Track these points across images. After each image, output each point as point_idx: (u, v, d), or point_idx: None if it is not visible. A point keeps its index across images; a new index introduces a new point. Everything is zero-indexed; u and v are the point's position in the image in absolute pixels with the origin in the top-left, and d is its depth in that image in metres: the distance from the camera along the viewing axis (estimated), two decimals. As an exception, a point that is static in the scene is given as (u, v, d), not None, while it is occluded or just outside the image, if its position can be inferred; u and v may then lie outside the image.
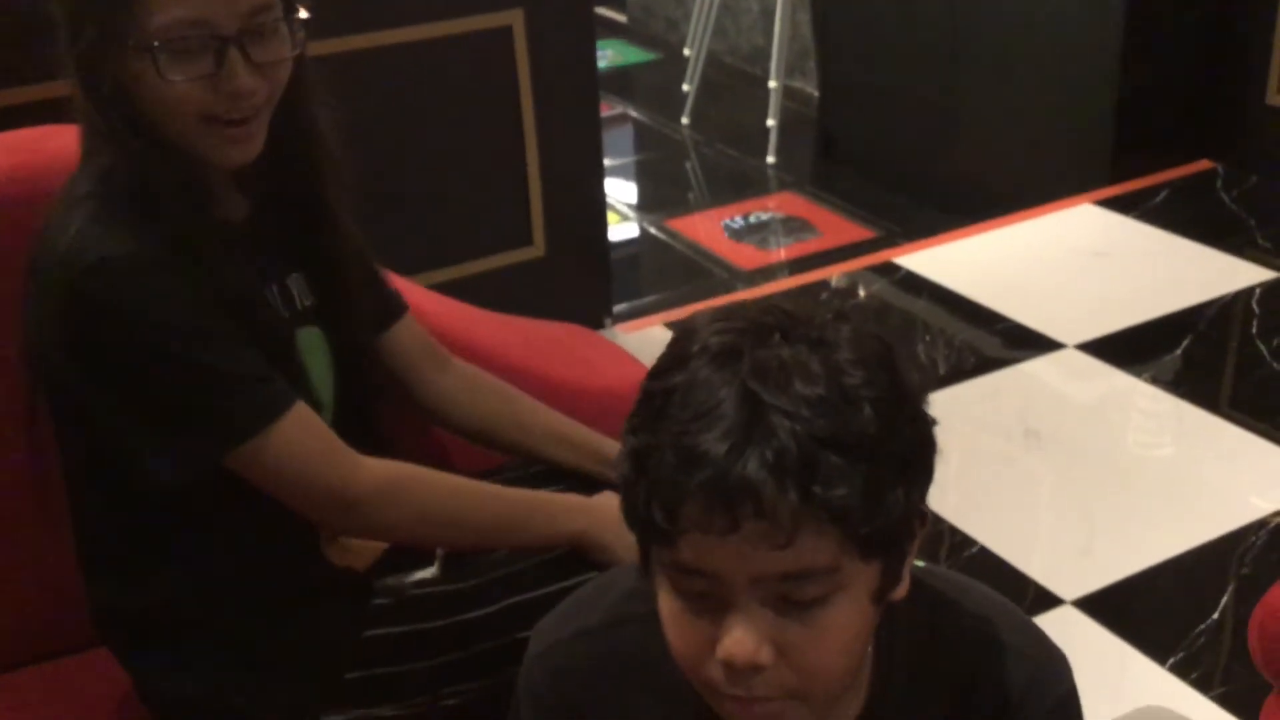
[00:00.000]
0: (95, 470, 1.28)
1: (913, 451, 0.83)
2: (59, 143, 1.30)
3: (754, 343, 0.80)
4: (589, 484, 1.44)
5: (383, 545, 1.42)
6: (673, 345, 0.84)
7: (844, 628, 0.82)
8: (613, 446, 1.44)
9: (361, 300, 1.40)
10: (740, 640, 0.79)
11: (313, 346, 1.34)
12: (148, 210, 1.18)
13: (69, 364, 1.20)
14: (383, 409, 1.44)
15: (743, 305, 0.85)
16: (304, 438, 1.22)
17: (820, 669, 0.82)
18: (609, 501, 1.37)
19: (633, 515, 0.83)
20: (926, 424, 0.85)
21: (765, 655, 0.80)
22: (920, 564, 1.00)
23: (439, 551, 1.40)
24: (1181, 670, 1.98)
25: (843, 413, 0.78)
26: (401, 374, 1.47)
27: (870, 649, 0.93)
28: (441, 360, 1.50)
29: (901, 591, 0.88)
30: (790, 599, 0.80)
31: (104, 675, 1.43)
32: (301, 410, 1.23)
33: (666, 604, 0.84)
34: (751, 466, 0.76)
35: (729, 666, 0.81)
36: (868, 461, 0.78)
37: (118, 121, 1.17)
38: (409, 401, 1.49)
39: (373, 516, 1.26)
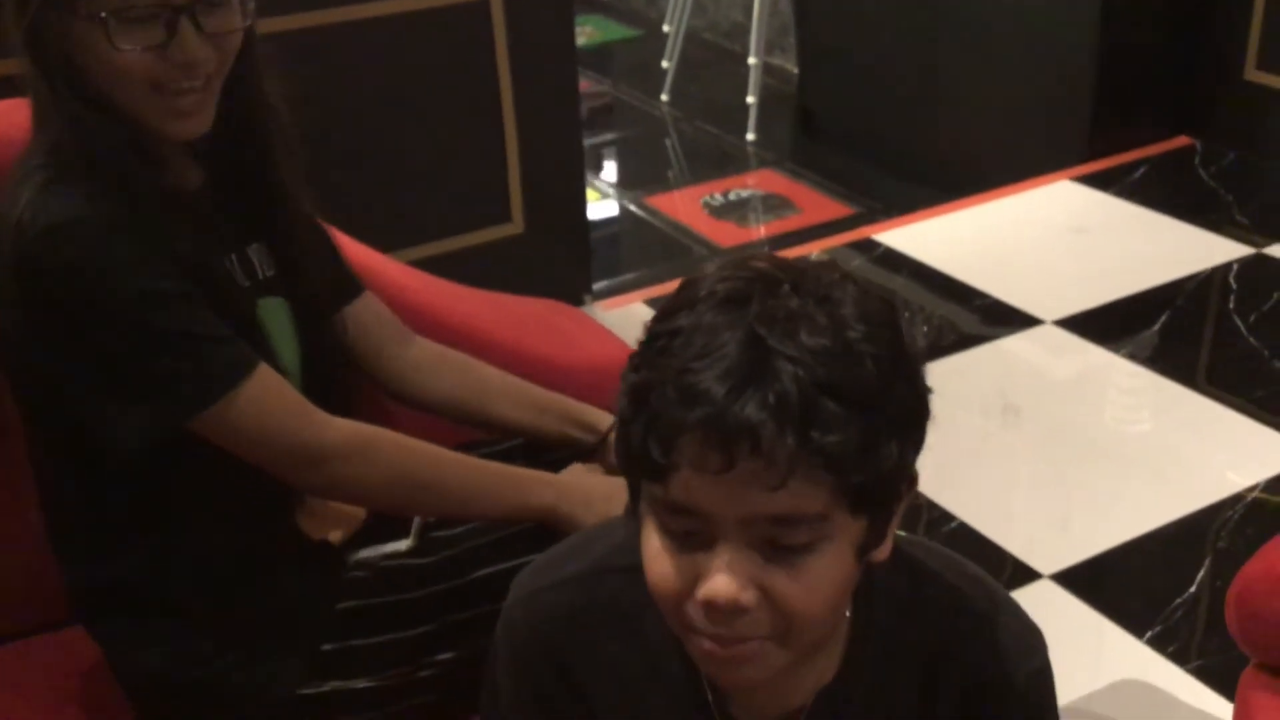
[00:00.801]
0: (61, 445, 1.27)
1: (908, 410, 0.84)
2: (20, 117, 1.29)
3: (763, 291, 0.81)
4: (558, 465, 1.44)
5: (358, 517, 1.42)
6: (680, 290, 0.85)
7: (827, 577, 0.83)
8: (581, 408, 1.45)
9: (319, 271, 1.39)
10: (724, 580, 0.80)
11: (276, 316, 1.34)
12: (98, 179, 1.17)
13: (27, 335, 1.19)
14: (350, 382, 1.43)
15: (752, 257, 0.86)
16: (270, 396, 1.21)
17: (802, 615, 0.83)
18: (578, 477, 1.37)
19: (626, 451, 0.83)
20: (923, 387, 0.86)
21: (748, 597, 0.81)
22: (902, 534, 1.01)
23: (414, 524, 1.40)
24: (1159, 643, 2.00)
25: (845, 364, 0.79)
26: (362, 352, 1.46)
27: (848, 612, 0.94)
28: (404, 337, 1.49)
29: (884, 553, 0.89)
30: (777, 544, 0.81)
31: (76, 652, 1.42)
32: (265, 371, 1.22)
33: (651, 543, 0.85)
34: (751, 407, 0.77)
35: (710, 606, 0.81)
36: (865, 413, 0.79)
37: (66, 92, 1.17)
38: (372, 379, 1.48)
39: (342, 472, 1.25)
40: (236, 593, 1.29)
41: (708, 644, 0.84)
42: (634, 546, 0.89)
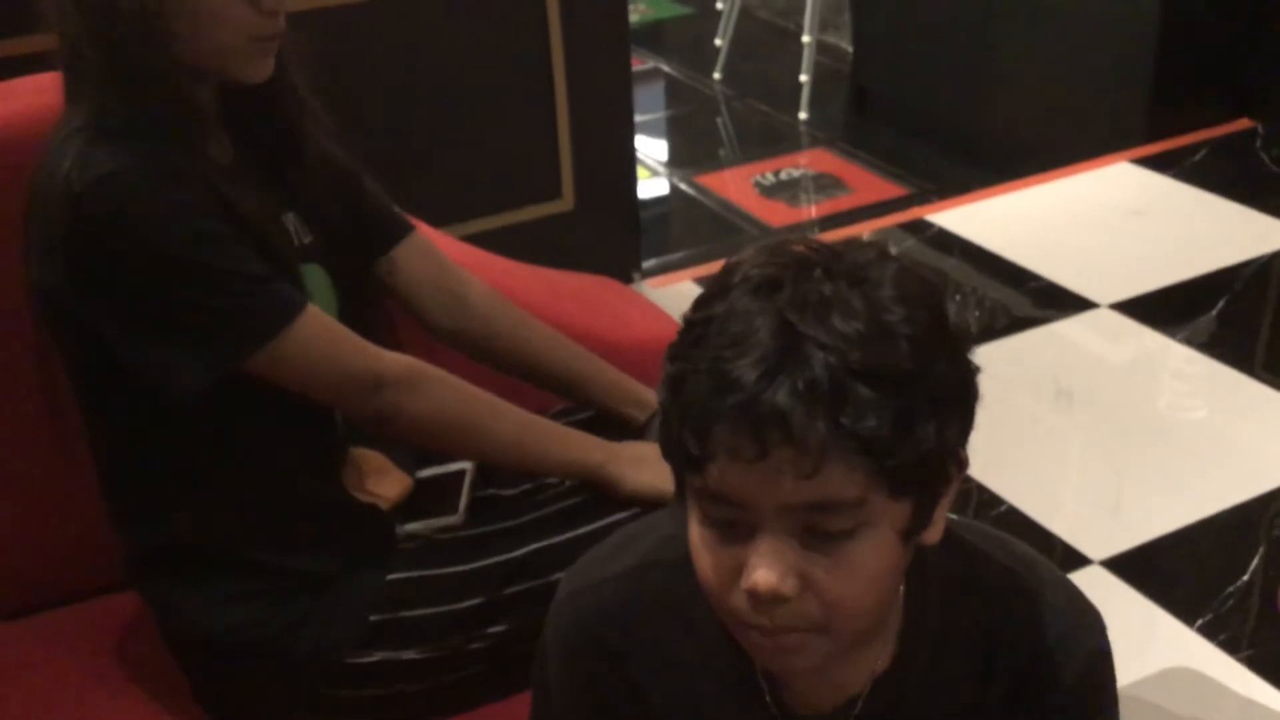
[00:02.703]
0: (112, 406, 1.29)
1: (948, 390, 0.82)
2: (52, 94, 1.30)
3: (795, 276, 0.80)
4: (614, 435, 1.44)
5: (405, 483, 1.42)
6: (717, 277, 0.84)
7: (870, 564, 0.82)
8: (632, 384, 1.45)
9: (353, 235, 1.41)
10: (765, 570, 0.80)
11: (316, 283, 1.35)
12: (147, 138, 1.19)
13: (78, 290, 1.20)
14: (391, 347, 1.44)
15: (788, 240, 0.85)
16: (323, 331, 1.24)
17: (845, 603, 0.82)
18: (630, 444, 1.37)
19: (668, 442, 0.83)
20: (967, 366, 0.84)
21: (789, 586, 0.80)
22: (953, 517, 1.00)
23: (462, 499, 1.41)
24: (1209, 632, 1.97)
25: (878, 347, 0.78)
26: (414, 292, 1.47)
27: (901, 597, 0.93)
28: (458, 278, 1.50)
29: (934, 536, 0.87)
30: (816, 531, 0.80)
31: (129, 615, 1.45)
32: (315, 309, 1.24)
33: (696, 533, 0.84)
34: (782, 394, 0.76)
35: (753, 596, 0.81)
36: (900, 395, 0.78)
37: (126, 69, 1.18)
38: (424, 321, 1.49)
39: (395, 401, 1.26)
40: (287, 556, 1.30)
41: (755, 635, 0.84)
42: (681, 539, 0.89)
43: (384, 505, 1.40)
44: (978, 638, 0.94)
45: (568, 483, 1.42)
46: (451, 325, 1.48)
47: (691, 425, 0.79)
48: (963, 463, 0.87)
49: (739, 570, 0.81)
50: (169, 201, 1.18)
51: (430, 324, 1.49)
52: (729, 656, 0.94)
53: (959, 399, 0.83)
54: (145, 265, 1.17)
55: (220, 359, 1.21)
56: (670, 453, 0.84)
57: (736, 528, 0.81)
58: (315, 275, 1.35)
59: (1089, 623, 0.96)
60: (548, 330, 1.51)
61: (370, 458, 1.43)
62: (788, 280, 0.80)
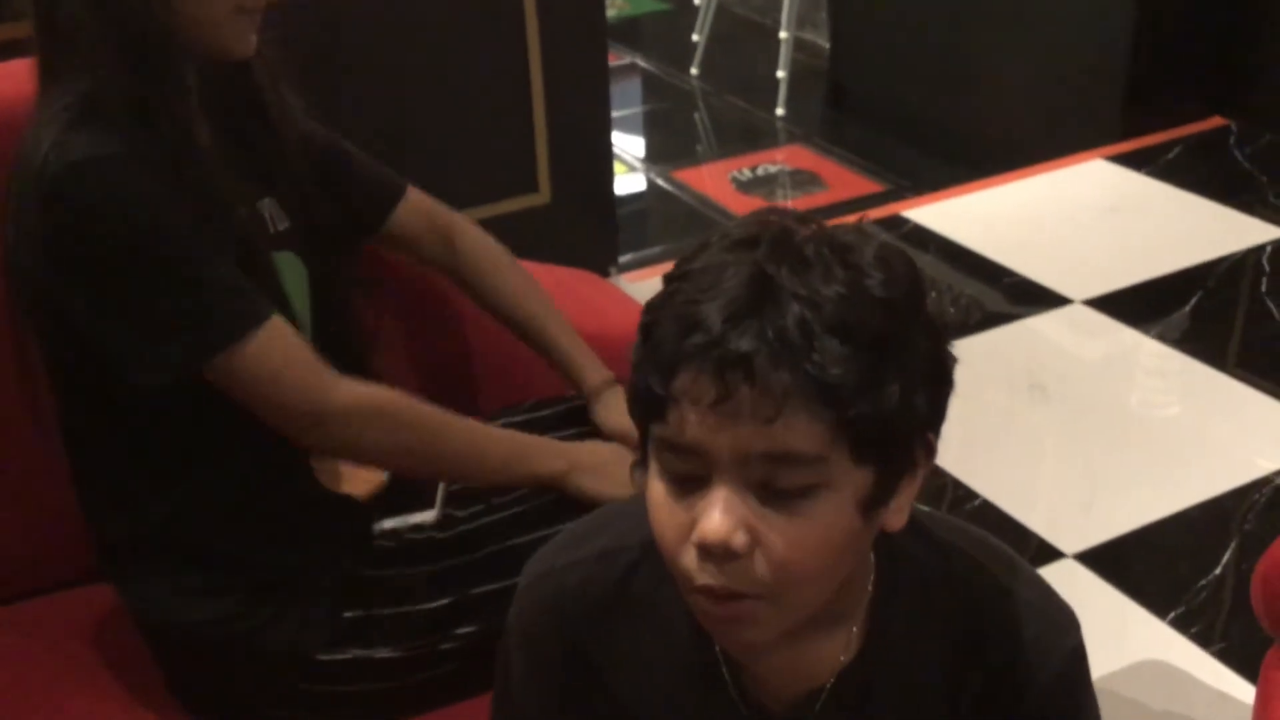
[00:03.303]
0: (85, 395, 1.28)
1: (920, 361, 0.81)
2: (23, 82, 1.29)
3: (776, 236, 0.81)
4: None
5: (379, 476, 1.42)
6: (704, 241, 0.84)
7: (824, 526, 0.80)
8: (592, 359, 1.48)
9: (342, 219, 1.41)
10: (717, 519, 0.78)
11: (290, 270, 1.34)
12: (126, 125, 1.18)
13: (50, 272, 1.19)
14: (364, 338, 1.44)
15: (773, 209, 0.85)
16: (281, 349, 1.21)
17: (794, 566, 0.80)
18: (591, 447, 1.37)
19: (633, 393, 0.83)
20: (943, 348, 0.84)
21: (740, 538, 0.79)
22: (926, 509, 0.99)
23: (439, 494, 1.40)
24: (1182, 625, 1.99)
25: (855, 307, 0.78)
26: (409, 249, 1.53)
27: (871, 587, 0.92)
28: (447, 225, 1.54)
29: (897, 522, 0.86)
30: (773, 487, 0.79)
31: (103, 608, 1.44)
32: (279, 323, 1.23)
33: (655, 490, 0.83)
34: (748, 337, 0.76)
35: (703, 548, 0.79)
36: (869, 352, 0.77)
37: (125, 26, 1.18)
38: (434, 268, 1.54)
39: (341, 436, 1.25)
40: (261, 550, 1.30)
41: (703, 600, 0.82)
42: (644, 525, 0.88)
43: (362, 496, 1.39)
44: (950, 635, 0.93)
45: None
46: (443, 264, 1.54)
47: (656, 368, 0.79)
48: (931, 448, 0.86)
49: (692, 525, 0.80)
50: (143, 193, 1.17)
51: (425, 262, 1.54)
52: (693, 646, 0.93)
53: (931, 375, 0.83)
54: (111, 256, 1.16)
55: (174, 361, 1.19)
56: (635, 404, 0.83)
57: (693, 481, 0.80)
58: (289, 263, 1.34)
59: (1064, 622, 0.95)
60: (526, 276, 1.54)
61: None
62: (765, 239, 0.80)
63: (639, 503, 0.93)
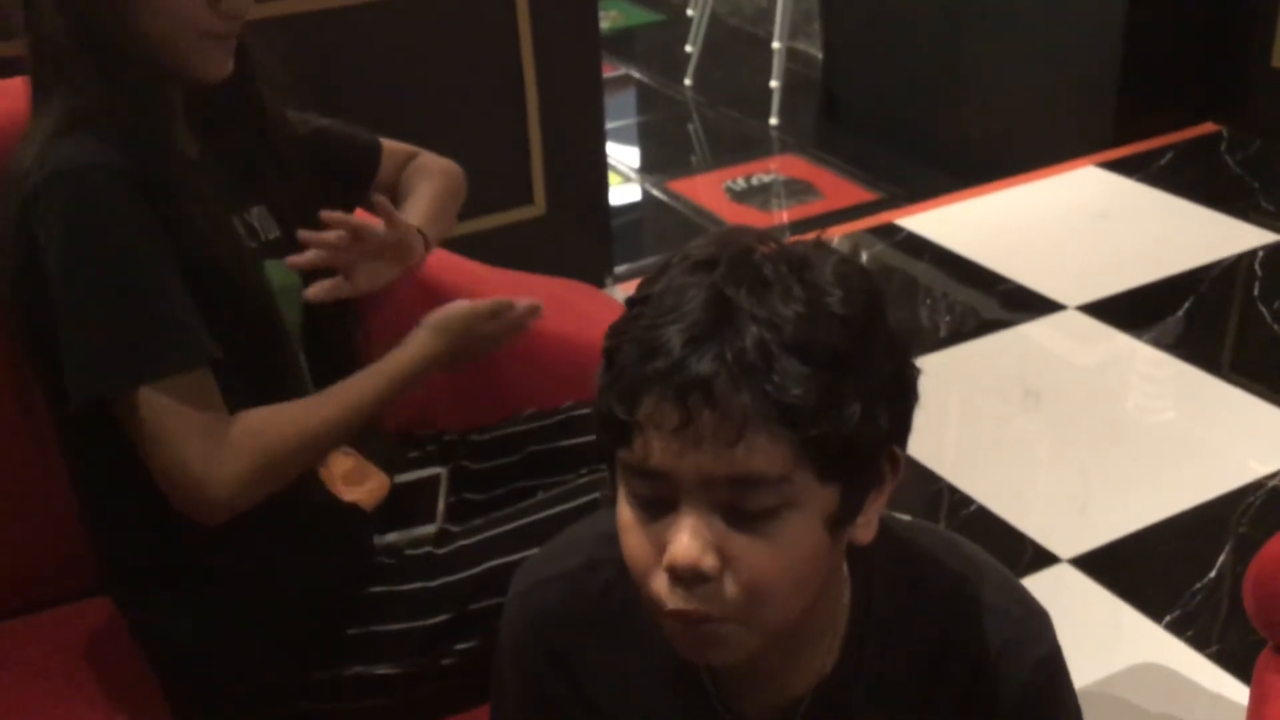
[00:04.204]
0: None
1: (881, 378, 0.82)
2: (17, 99, 1.30)
3: (734, 257, 0.81)
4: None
5: (384, 484, 1.42)
6: (665, 264, 0.84)
7: (793, 546, 0.80)
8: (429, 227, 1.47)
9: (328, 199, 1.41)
10: (685, 543, 0.78)
11: (282, 280, 1.34)
12: (112, 137, 1.19)
13: (24, 281, 1.19)
14: (354, 343, 1.43)
15: (733, 229, 0.85)
16: (184, 405, 1.17)
17: (764, 587, 0.80)
18: (439, 325, 1.35)
19: (599, 418, 0.82)
20: (906, 362, 0.85)
21: (709, 561, 0.79)
22: (906, 518, 1.00)
23: (440, 507, 1.41)
24: (1177, 628, 1.99)
25: (813, 327, 0.78)
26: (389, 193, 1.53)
27: (847, 599, 0.93)
28: (408, 159, 1.57)
29: (865, 535, 0.86)
30: (739, 509, 0.79)
31: (103, 622, 1.44)
32: (200, 378, 1.19)
33: (624, 514, 0.83)
34: (707, 360, 0.76)
35: (673, 572, 0.79)
36: (829, 371, 0.78)
37: (106, 43, 1.19)
38: None
39: (211, 514, 1.21)
40: (264, 565, 1.30)
41: (673, 624, 0.82)
42: (615, 534, 0.89)
43: (368, 505, 1.39)
44: (925, 643, 0.93)
45: (540, 494, 1.43)
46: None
47: (619, 394, 0.79)
48: (897, 461, 0.86)
49: (661, 549, 0.80)
50: (109, 209, 1.16)
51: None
52: (675, 658, 0.92)
53: (893, 391, 0.83)
54: (64, 267, 1.16)
55: (92, 387, 1.17)
56: (601, 429, 0.83)
57: (660, 504, 0.81)
58: (279, 271, 1.34)
59: (1037, 628, 0.95)
60: (440, 173, 1.57)
61: (342, 459, 1.43)
62: (724, 260, 0.81)
63: (609, 514, 0.94)
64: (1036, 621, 0.95)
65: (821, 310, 0.79)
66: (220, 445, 1.19)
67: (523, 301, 1.41)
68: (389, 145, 1.56)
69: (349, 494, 1.38)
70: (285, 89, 1.37)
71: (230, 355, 1.22)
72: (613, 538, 0.91)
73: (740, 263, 0.80)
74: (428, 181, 1.55)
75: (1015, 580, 0.98)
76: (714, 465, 0.77)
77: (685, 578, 0.79)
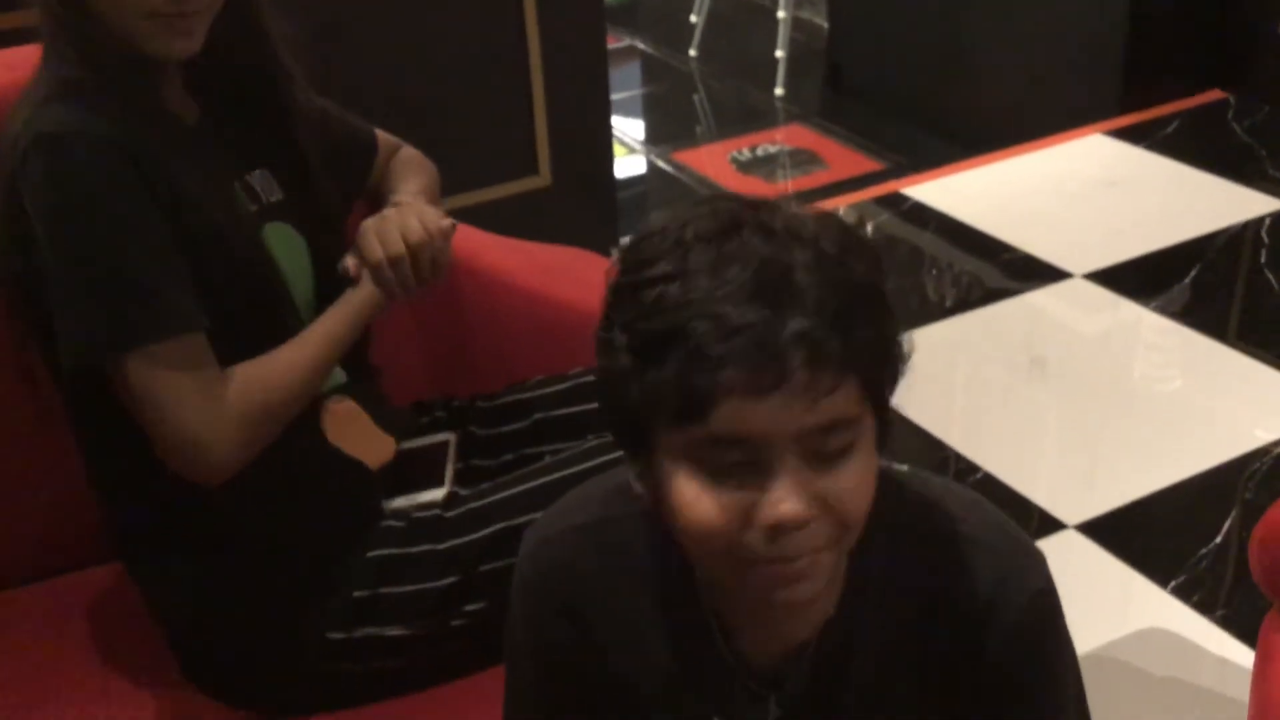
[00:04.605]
0: (85, 375, 1.26)
1: (892, 308, 0.87)
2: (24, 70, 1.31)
3: (752, 221, 0.84)
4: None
5: (389, 444, 1.43)
6: (645, 243, 0.85)
7: (865, 472, 0.86)
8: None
9: (329, 188, 1.41)
10: (791, 500, 0.82)
11: (285, 243, 1.34)
12: (102, 101, 1.19)
13: (15, 245, 1.20)
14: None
15: (706, 199, 0.88)
16: (176, 369, 1.18)
17: (853, 514, 0.86)
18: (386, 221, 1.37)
19: (644, 405, 0.83)
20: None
21: (812, 511, 0.83)
22: (904, 468, 1.02)
23: (448, 471, 1.42)
24: (1183, 593, 2.00)
25: (854, 272, 0.83)
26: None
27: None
28: (395, 149, 1.57)
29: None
30: (821, 452, 0.83)
31: (114, 589, 1.45)
32: (193, 343, 1.20)
33: (686, 487, 0.84)
34: (795, 320, 0.80)
35: (778, 529, 0.83)
36: (872, 308, 0.84)
37: (73, 21, 1.19)
38: None
39: (208, 476, 1.23)
40: (275, 529, 1.31)
41: (765, 570, 0.85)
42: (627, 491, 0.92)
43: (373, 464, 1.39)
44: (921, 583, 0.96)
45: (547, 456, 1.44)
46: None
47: (698, 373, 0.80)
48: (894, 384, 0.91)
49: (747, 511, 0.83)
50: (95, 174, 1.16)
51: None
52: (683, 608, 0.97)
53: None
54: (50, 230, 1.16)
55: (79, 350, 1.18)
56: (642, 415, 0.83)
57: (744, 467, 0.82)
58: (283, 234, 1.35)
59: (1029, 563, 0.97)
60: (414, 160, 1.57)
61: (348, 413, 1.41)
62: (747, 224, 0.83)
63: (613, 474, 0.99)
64: (1029, 558, 0.97)
65: (851, 256, 0.84)
66: (218, 406, 1.20)
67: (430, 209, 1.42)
68: (382, 140, 1.56)
69: (347, 440, 1.38)
70: (295, 48, 1.37)
71: (230, 319, 1.23)
72: (623, 493, 0.95)
73: (761, 225, 0.83)
74: (418, 176, 1.55)
75: (1008, 520, 1.00)
76: (805, 419, 0.81)
77: (790, 530, 0.83)
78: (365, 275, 1.35)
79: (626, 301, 0.84)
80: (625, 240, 2.98)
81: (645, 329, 0.82)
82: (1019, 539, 0.98)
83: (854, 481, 0.85)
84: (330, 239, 1.39)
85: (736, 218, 0.84)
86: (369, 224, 1.37)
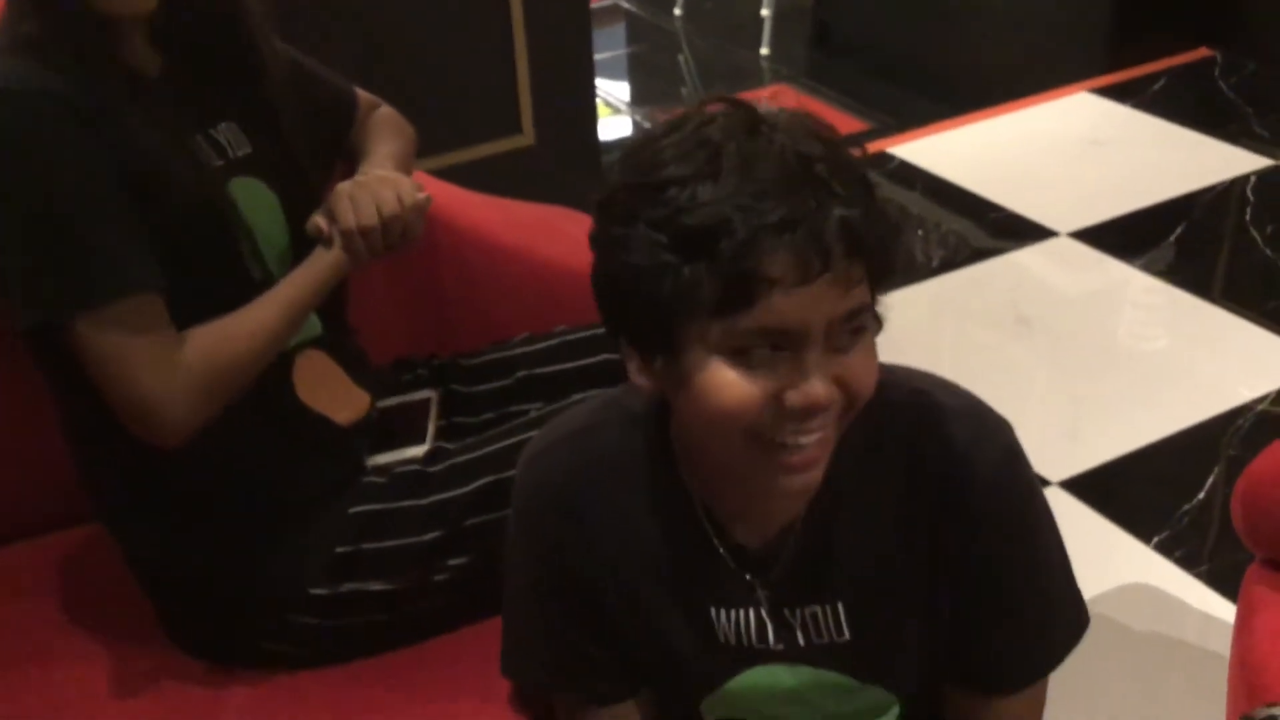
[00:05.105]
0: (54, 334, 1.24)
1: None
2: None
3: (751, 113, 0.88)
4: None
5: (363, 401, 1.42)
6: (656, 144, 0.88)
7: (873, 356, 0.91)
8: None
9: (303, 142, 1.38)
10: (819, 383, 0.87)
11: (255, 197, 1.32)
12: (57, 61, 1.17)
13: None
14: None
15: (691, 112, 0.90)
16: (129, 330, 1.17)
17: (864, 394, 0.91)
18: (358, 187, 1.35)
19: (678, 298, 0.85)
20: None
21: (835, 395, 0.88)
22: None
23: (430, 427, 1.41)
24: (1166, 549, 2.01)
25: (848, 158, 0.87)
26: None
27: None
28: (373, 108, 1.54)
29: None
30: (839, 339, 0.88)
31: (94, 548, 1.45)
32: (147, 303, 1.18)
33: (719, 375, 0.87)
34: (838, 209, 0.84)
35: (807, 412, 0.87)
36: (875, 196, 0.88)
37: None
38: None
39: (162, 437, 1.21)
40: (251, 481, 1.30)
41: (785, 454, 0.89)
42: (621, 402, 1.02)
43: (343, 421, 1.38)
44: (898, 456, 1.00)
45: (533, 412, 1.43)
46: None
47: (745, 267, 0.83)
48: None
49: (776, 395, 0.87)
50: (44, 132, 1.14)
51: None
52: (674, 502, 1.02)
53: None
54: (8, 190, 1.15)
55: (35, 313, 1.17)
56: (679, 309, 0.86)
57: (773, 356, 0.87)
58: (251, 189, 1.32)
59: (994, 423, 1.01)
60: (393, 123, 1.54)
61: (321, 366, 1.40)
62: (761, 120, 0.87)
63: (602, 393, 1.08)
64: (998, 422, 1.02)
65: (843, 145, 0.88)
66: (172, 368, 1.19)
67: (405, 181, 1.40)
68: (363, 99, 1.54)
69: (319, 399, 1.37)
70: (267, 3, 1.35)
71: (191, 276, 1.22)
72: (608, 406, 1.05)
73: (770, 123, 0.87)
74: (395, 138, 1.52)
75: (970, 392, 1.04)
76: (837, 305, 0.86)
77: (818, 410, 0.88)
78: (336, 236, 1.34)
79: (652, 199, 0.85)
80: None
81: (686, 224, 0.84)
82: (987, 407, 1.02)
83: (865, 362, 0.90)
84: (304, 193, 1.37)
85: (750, 116, 0.87)
86: (344, 187, 1.35)
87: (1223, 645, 1.42)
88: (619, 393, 1.06)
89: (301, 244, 1.36)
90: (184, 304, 1.22)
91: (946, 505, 0.99)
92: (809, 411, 0.87)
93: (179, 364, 1.20)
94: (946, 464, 0.98)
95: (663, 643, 1.06)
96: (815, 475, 0.92)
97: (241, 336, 1.25)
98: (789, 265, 0.83)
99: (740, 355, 0.87)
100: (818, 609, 1.03)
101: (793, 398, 0.87)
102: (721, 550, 1.02)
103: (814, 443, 0.90)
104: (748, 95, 3.45)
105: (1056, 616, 1.06)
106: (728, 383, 0.87)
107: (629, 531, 1.04)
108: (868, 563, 1.01)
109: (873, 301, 0.89)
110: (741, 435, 0.89)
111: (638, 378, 0.94)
